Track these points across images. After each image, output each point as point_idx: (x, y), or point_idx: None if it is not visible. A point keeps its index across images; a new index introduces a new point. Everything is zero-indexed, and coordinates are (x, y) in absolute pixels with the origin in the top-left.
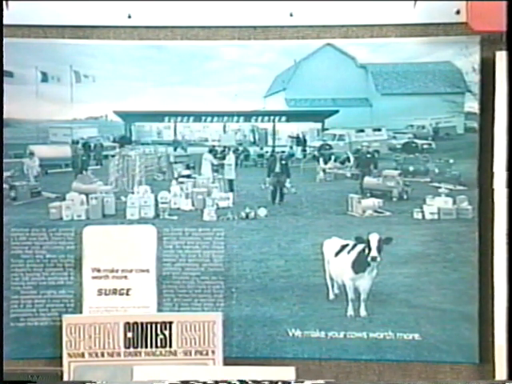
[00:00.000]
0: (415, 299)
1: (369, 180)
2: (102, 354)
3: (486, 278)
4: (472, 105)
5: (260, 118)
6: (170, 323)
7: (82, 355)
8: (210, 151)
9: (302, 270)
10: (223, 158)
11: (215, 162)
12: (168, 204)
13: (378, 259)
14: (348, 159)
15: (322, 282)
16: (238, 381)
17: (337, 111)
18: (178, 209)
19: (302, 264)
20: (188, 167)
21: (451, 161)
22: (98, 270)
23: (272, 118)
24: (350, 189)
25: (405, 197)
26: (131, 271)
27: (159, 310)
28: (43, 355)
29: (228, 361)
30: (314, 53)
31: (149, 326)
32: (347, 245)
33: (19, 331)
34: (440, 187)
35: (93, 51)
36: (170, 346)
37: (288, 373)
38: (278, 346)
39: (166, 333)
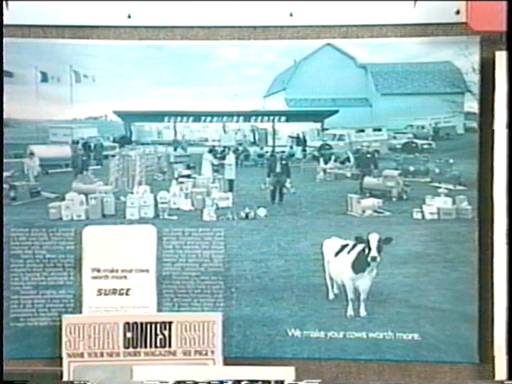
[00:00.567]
0: (415, 299)
1: (369, 180)
2: (102, 354)
3: (486, 278)
4: (472, 105)
5: (260, 118)
6: (170, 323)
7: (82, 355)
8: (210, 151)
9: (301, 270)
10: (223, 158)
11: (215, 161)
12: (168, 204)
13: (378, 259)
14: (348, 159)
15: (322, 282)
16: (238, 381)
17: (337, 111)
18: (178, 209)
19: (301, 264)
20: (188, 167)
21: (451, 161)
22: (98, 270)
23: (272, 117)
24: (350, 189)
25: (404, 197)
26: (131, 271)
27: (159, 310)
28: (43, 355)
29: (228, 361)
30: (314, 53)
31: (148, 326)
32: (347, 245)
33: (19, 331)
34: (440, 187)
35: (93, 51)
36: (170, 346)
37: (288, 373)
38: (277, 346)
39: (166, 333)
